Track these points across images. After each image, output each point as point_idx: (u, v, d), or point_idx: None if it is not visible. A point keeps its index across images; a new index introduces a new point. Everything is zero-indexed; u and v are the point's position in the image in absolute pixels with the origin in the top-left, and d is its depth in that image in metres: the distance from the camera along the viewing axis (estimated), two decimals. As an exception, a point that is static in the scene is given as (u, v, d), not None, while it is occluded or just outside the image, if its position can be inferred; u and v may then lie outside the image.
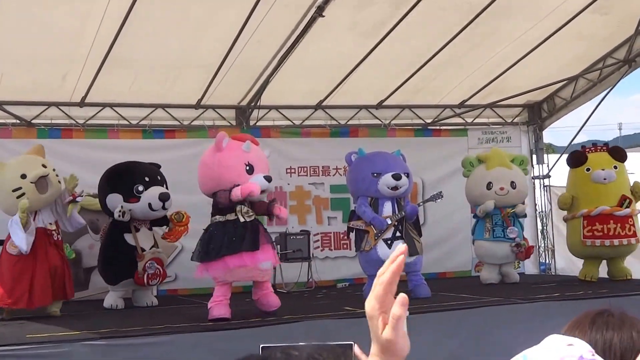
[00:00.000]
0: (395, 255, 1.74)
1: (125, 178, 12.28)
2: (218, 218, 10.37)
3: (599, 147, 13.84)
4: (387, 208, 11.90)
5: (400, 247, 1.75)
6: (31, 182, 11.00)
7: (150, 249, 12.22)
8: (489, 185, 13.48)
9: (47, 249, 11.09)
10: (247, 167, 10.22)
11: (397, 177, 11.81)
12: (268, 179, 10.22)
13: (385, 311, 1.75)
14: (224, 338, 9.23)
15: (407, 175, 12.03)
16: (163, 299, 13.07)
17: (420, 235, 12.21)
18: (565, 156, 15.03)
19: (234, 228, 10.15)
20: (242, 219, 10.14)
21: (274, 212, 10.48)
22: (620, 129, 67.20)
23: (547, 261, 16.48)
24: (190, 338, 9.17)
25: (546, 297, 11.11)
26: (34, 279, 10.85)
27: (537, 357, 1.55)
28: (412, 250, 11.73)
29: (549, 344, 1.60)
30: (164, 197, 12.14)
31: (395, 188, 11.84)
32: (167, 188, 12.44)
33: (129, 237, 12.14)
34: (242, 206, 10.16)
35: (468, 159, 14.10)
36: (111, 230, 12.35)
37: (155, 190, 12.14)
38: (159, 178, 12.49)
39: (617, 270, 13.54)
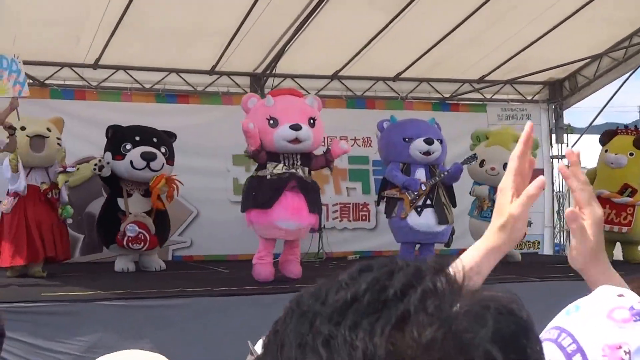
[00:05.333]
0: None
1: (116, 135, 12.08)
2: (253, 173, 10.56)
3: (631, 131, 13.58)
4: (420, 174, 11.68)
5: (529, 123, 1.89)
6: (27, 136, 11.02)
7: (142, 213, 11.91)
8: (482, 163, 13.11)
9: (37, 206, 10.99)
10: (271, 121, 10.09)
11: (429, 142, 11.58)
12: (295, 127, 10.03)
13: (517, 189, 1.83)
14: (235, 304, 9.11)
15: (441, 142, 11.81)
16: (178, 265, 13.02)
17: (454, 205, 12.01)
18: (585, 137, 14.79)
19: (259, 184, 10.16)
20: (268, 176, 10.11)
21: (333, 156, 10.63)
22: (640, 111, 66.22)
23: (562, 242, 16.23)
24: (204, 302, 9.04)
25: (560, 276, 10.89)
26: (23, 235, 10.76)
27: (588, 306, 1.52)
28: (442, 219, 11.55)
29: (600, 294, 1.56)
30: (148, 156, 11.76)
31: (427, 153, 11.62)
32: (167, 153, 12.10)
33: (121, 202, 11.94)
34: (274, 163, 10.15)
35: (476, 132, 13.79)
36: (109, 195, 12.30)
37: (139, 149, 11.81)
38: (154, 140, 12.09)
39: (631, 254, 13.35)
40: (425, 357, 0.87)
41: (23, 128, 11.03)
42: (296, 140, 10.06)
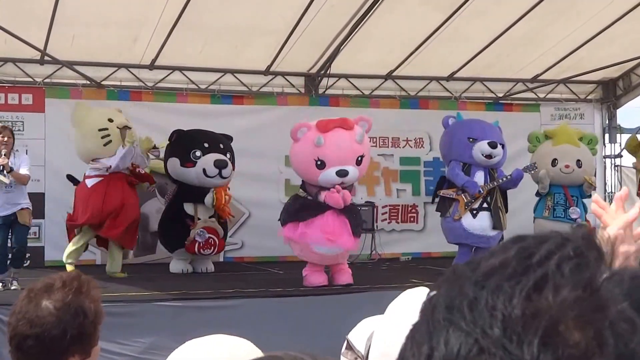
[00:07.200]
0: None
1: (183, 142, 12.14)
2: (300, 192, 10.42)
3: None
4: (479, 177, 11.72)
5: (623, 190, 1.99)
6: (117, 127, 11.33)
7: (209, 218, 12.06)
8: (554, 162, 13.05)
9: (122, 186, 11.33)
10: (318, 163, 9.97)
11: (493, 145, 11.62)
12: (342, 173, 9.94)
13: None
14: (291, 304, 9.19)
15: (503, 147, 11.84)
16: (230, 266, 13.13)
17: (506, 209, 12.02)
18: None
19: (301, 203, 10.19)
20: (310, 197, 10.16)
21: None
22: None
23: (615, 242, 16.08)
24: (258, 303, 9.13)
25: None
26: (104, 206, 11.10)
27: None
28: (497, 224, 11.56)
29: None
30: (220, 164, 11.88)
31: (489, 156, 11.66)
32: (231, 158, 12.21)
33: (188, 207, 12.02)
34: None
35: (535, 134, 13.75)
36: (174, 199, 12.34)
37: (212, 157, 11.92)
38: (221, 146, 12.22)
39: None
40: (559, 316, 0.91)
41: (111, 120, 11.43)
42: (341, 184, 10.01)
